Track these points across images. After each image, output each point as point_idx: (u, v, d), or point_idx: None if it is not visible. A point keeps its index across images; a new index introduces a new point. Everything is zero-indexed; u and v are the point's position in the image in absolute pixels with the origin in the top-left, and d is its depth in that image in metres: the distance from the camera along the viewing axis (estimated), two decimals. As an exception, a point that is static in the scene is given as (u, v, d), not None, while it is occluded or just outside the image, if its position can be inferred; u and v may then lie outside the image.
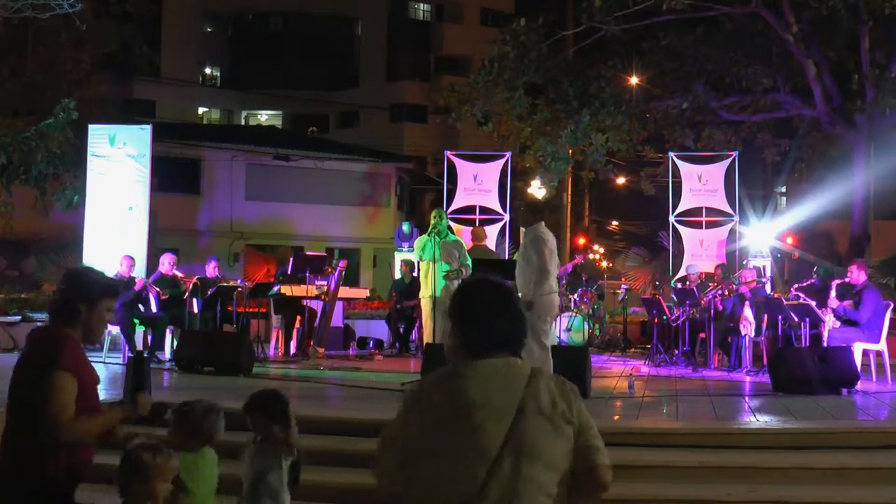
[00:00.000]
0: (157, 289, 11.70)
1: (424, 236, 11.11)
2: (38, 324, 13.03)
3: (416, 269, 13.51)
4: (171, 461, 3.54)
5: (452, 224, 14.22)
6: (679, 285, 13.52)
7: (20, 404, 3.42)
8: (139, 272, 12.14)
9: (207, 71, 46.49)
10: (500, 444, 2.49)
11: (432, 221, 10.88)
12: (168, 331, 11.67)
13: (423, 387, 2.69)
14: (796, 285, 11.96)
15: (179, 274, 12.16)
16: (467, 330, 2.67)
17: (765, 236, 16.70)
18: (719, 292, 11.89)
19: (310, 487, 5.66)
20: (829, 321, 10.44)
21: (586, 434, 2.72)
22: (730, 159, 15.17)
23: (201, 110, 44.31)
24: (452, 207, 14.82)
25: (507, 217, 14.87)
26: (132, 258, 11.87)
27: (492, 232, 14.81)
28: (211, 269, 12.72)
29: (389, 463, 2.61)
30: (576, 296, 14.29)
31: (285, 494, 4.25)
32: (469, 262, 10.49)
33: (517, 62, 18.99)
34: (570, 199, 26.98)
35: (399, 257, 15.38)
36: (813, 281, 11.63)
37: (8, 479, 3.42)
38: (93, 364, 3.70)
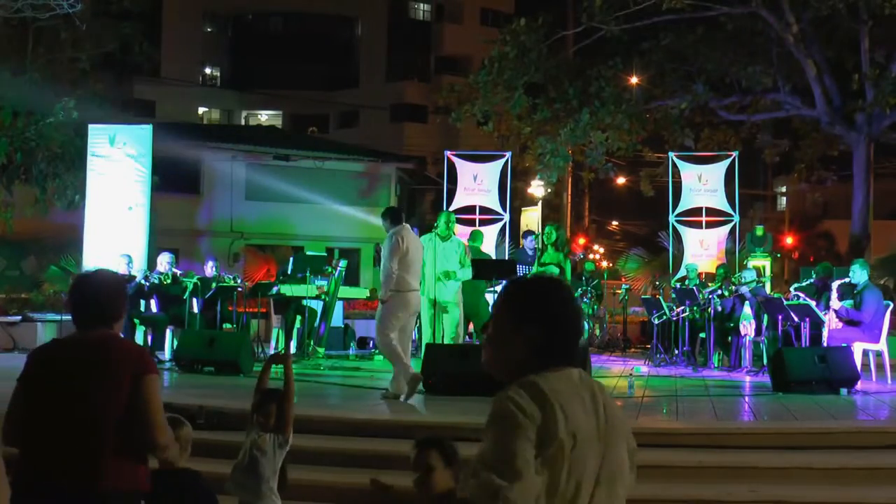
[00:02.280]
0: (155, 281, 11.69)
1: (424, 237, 11.07)
2: (38, 323, 13.05)
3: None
4: (186, 429, 4.08)
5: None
6: (679, 285, 13.52)
7: (110, 412, 3.23)
8: (139, 272, 12.13)
9: (207, 71, 46.49)
10: (598, 469, 2.23)
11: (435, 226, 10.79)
12: (168, 331, 11.67)
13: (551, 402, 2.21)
14: (795, 285, 11.96)
15: (178, 272, 12.17)
16: (556, 335, 2.27)
17: (764, 236, 16.68)
18: (719, 293, 11.89)
19: (309, 487, 5.67)
20: (832, 321, 10.43)
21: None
22: (730, 159, 15.17)
23: (201, 110, 44.32)
24: (452, 207, 14.81)
25: (507, 217, 14.88)
26: (130, 257, 11.88)
27: (492, 232, 14.82)
28: (209, 269, 12.73)
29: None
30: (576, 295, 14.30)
31: (274, 480, 4.44)
32: (469, 263, 10.49)
33: (517, 62, 19.01)
34: (570, 199, 26.99)
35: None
36: (812, 281, 11.63)
37: (114, 495, 3.23)
38: None
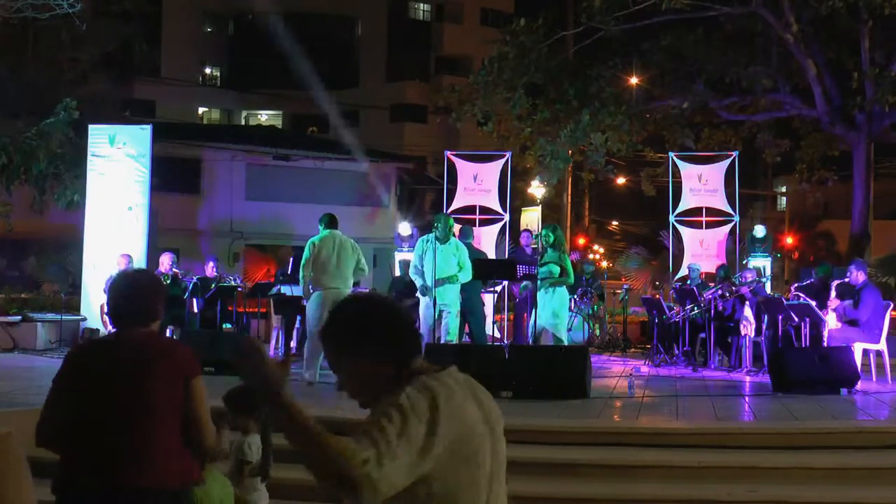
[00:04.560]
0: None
1: (422, 239, 11.06)
2: (38, 323, 13.04)
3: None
4: None
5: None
6: (679, 285, 13.52)
7: (161, 412, 3.25)
8: (139, 272, 12.14)
9: (207, 71, 46.48)
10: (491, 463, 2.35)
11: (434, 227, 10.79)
12: (168, 331, 11.67)
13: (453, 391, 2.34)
14: (795, 285, 11.96)
15: (178, 272, 12.18)
16: (402, 343, 2.41)
17: (765, 236, 16.68)
18: (719, 293, 11.89)
19: (309, 487, 5.67)
20: (832, 321, 10.43)
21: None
22: (730, 159, 15.15)
23: (201, 110, 44.31)
24: (452, 207, 14.81)
25: (507, 217, 14.87)
26: (129, 256, 11.88)
27: (492, 232, 14.81)
28: (210, 269, 12.72)
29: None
30: (576, 296, 14.28)
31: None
32: (468, 265, 10.49)
33: (517, 62, 19.01)
34: (570, 199, 27.01)
35: (399, 257, 15.38)
36: (812, 281, 11.63)
37: (167, 493, 3.25)
38: None
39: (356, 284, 10.32)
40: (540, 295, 10.76)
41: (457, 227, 12.69)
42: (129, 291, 3.42)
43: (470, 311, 11.10)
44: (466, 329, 11.52)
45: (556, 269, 10.78)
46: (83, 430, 3.24)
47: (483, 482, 2.31)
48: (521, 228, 15.26)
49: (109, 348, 3.39)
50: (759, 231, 14.98)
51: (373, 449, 2.12)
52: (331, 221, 9.65)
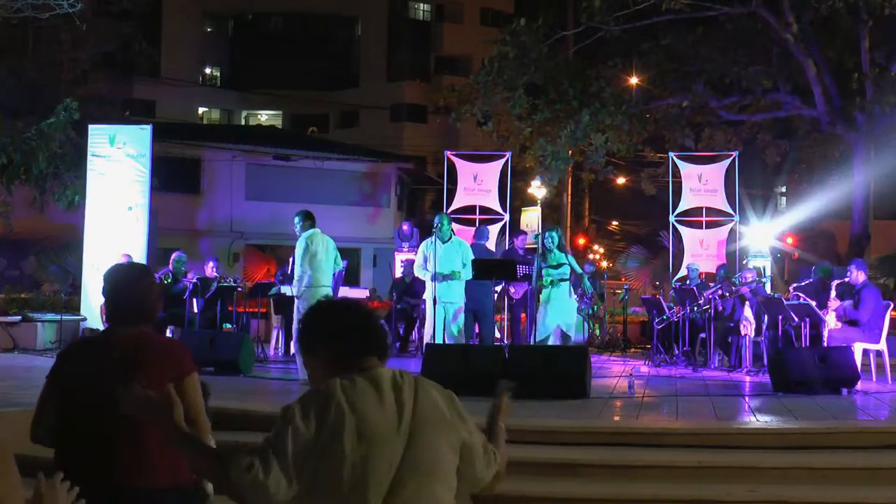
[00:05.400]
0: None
1: (426, 241, 11.08)
2: (38, 323, 13.05)
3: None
4: None
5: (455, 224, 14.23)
6: (679, 285, 13.52)
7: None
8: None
9: (207, 71, 46.46)
10: (398, 465, 2.39)
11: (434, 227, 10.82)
12: (168, 330, 11.67)
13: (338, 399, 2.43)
14: (795, 285, 11.96)
15: (188, 272, 12.27)
16: (345, 341, 2.55)
17: (765, 236, 16.70)
18: (719, 293, 11.89)
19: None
20: (832, 321, 10.43)
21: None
22: (730, 159, 15.16)
23: (201, 110, 44.30)
24: (452, 207, 14.82)
25: (507, 217, 14.87)
26: (130, 256, 11.88)
27: (492, 232, 14.81)
28: (210, 269, 12.72)
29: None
30: (575, 296, 14.29)
31: None
32: (469, 264, 10.51)
33: (517, 62, 19.00)
34: (570, 199, 27.00)
35: (399, 257, 15.39)
36: (812, 281, 11.63)
37: (168, 491, 3.23)
38: None
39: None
40: (554, 294, 10.88)
41: (468, 230, 12.73)
42: (124, 286, 3.38)
43: (483, 314, 11.09)
44: (476, 330, 11.53)
45: (567, 271, 10.93)
46: (75, 429, 3.23)
47: (373, 485, 2.36)
48: (518, 230, 15.25)
49: (101, 347, 3.36)
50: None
51: (257, 455, 2.33)
52: (313, 219, 10.02)
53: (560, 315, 10.91)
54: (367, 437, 2.36)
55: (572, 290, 11.49)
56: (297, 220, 9.96)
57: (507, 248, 15.67)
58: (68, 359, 3.38)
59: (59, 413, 3.26)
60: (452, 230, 10.64)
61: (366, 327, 2.60)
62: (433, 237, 10.33)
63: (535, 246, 12.17)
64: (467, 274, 10.33)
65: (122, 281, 3.39)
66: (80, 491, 3.13)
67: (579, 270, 11.25)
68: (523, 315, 12.43)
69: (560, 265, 10.97)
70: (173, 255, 12.38)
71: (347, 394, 2.41)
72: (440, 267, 10.22)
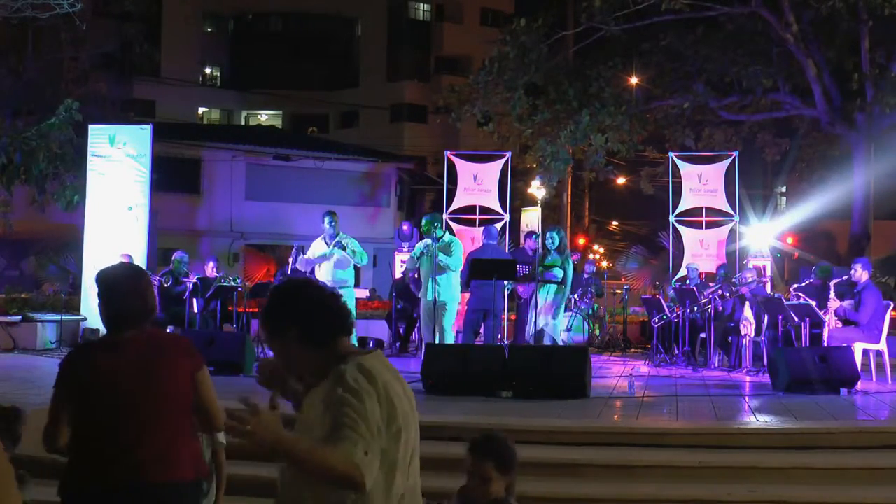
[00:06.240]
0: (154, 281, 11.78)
1: (421, 242, 11.12)
2: (38, 323, 13.05)
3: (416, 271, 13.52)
4: None
5: (453, 224, 14.25)
6: (678, 284, 13.52)
7: (182, 403, 3.31)
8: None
9: (207, 71, 46.46)
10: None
11: (424, 229, 10.91)
12: (168, 331, 11.67)
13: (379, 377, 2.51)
14: (795, 285, 11.95)
15: (190, 272, 12.28)
16: (318, 318, 2.56)
17: (765, 236, 16.68)
18: (719, 293, 11.89)
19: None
20: (832, 321, 10.42)
21: None
22: (730, 159, 15.15)
23: (201, 110, 44.30)
24: (452, 207, 14.82)
25: (507, 217, 14.88)
26: (130, 256, 11.88)
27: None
28: (210, 269, 12.72)
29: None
30: (576, 296, 14.29)
31: None
32: (459, 263, 10.58)
33: (517, 62, 19.00)
34: (570, 199, 27.00)
35: (399, 257, 15.38)
36: (812, 281, 11.62)
37: (191, 484, 3.31)
38: None
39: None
40: (540, 294, 10.88)
41: (469, 230, 12.78)
42: (125, 291, 3.37)
43: (493, 314, 11.08)
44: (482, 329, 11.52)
45: (560, 273, 10.90)
46: (95, 431, 3.22)
47: (407, 457, 2.48)
48: (523, 229, 15.28)
49: (112, 349, 3.34)
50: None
51: (357, 446, 2.32)
52: None
53: (540, 315, 10.86)
54: (403, 417, 2.46)
55: (566, 291, 11.44)
56: (334, 220, 10.52)
57: (509, 248, 15.69)
58: (78, 364, 3.35)
59: (75, 418, 3.26)
60: (442, 228, 10.83)
61: (335, 306, 2.62)
62: (430, 238, 10.50)
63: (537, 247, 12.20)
64: (453, 264, 10.41)
65: (121, 285, 3.38)
66: (103, 488, 3.15)
67: (569, 276, 11.18)
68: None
69: (552, 266, 10.95)
70: (174, 256, 12.39)
71: (383, 375, 2.47)
72: (434, 267, 10.38)
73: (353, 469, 2.29)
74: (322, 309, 2.56)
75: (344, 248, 10.57)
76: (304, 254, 11.00)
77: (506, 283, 11.32)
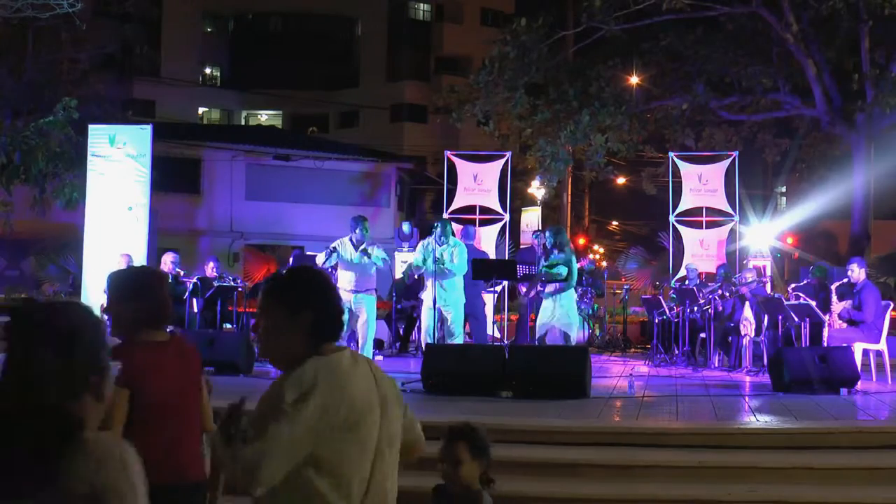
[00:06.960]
0: None
1: (423, 242, 11.11)
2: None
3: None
4: None
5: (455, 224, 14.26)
6: (679, 285, 13.52)
7: (196, 409, 3.39)
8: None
9: (207, 71, 46.48)
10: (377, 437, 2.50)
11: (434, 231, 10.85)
12: (167, 331, 11.65)
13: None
14: (794, 285, 11.95)
15: (180, 272, 12.19)
16: (325, 317, 2.53)
17: (765, 236, 16.69)
18: (719, 293, 11.89)
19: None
20: (836, 325, 10.42)
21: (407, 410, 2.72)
22: (730, 159, 15.16)
23: (201, 110, 44.30)
24: (452, 207, 14.83)
25: (507, 217, 14.89)
26: (130, 256, 11.88)
27: (492, 232, 14.83)
28: (210, 270, 12.72)
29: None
30: (575, 295, 14.28)
31: None
32: (465, 265, 10.55)
33: (517, 62, 19.00)
34: (570, 199, 27.00)
35: (399, 257, 15.38)
36: (810, 281, 11.62)
37: (205, 484, 3.41)
38: None
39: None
40: (545, 294, 10.84)
41: (458, 227, 12.78)
42: (155, 292, 3.40)
43: (472, 315, 11.11)
44: (467, 328, 11.54)
45: (564, 270, 10.84)
46: (139, 429, 3.21)
47: (367, 454, 2.45)
48: (524, 230, 15.29)
49: (155, 349, 3.35)
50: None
51: (254, 445, 2.34)
52: None
53: (545, 314, 10.75)
54: (358, 412, 2.44)
55: (572, 282, 11.38)
56: (364, 226, 10.40)
57: (509, 248, 15.71)
58: (143, 364, 3.33)
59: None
60: (452, 232, 10.78)
61: (342, 313, 2.63)
62: (431, 238, 10.45)
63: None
64: (458, 270, 10.39)
65: (149, 286, 3.40)
66: (147, 488, 3.18)
67: (574, 271, 11.13)
68: (532, 315, 12.43)
69: (555, 265, 10.92)
70: (172, 257, 12.29)
71: (344, 368, 2.46)
72: (437, 269, 10.34)
73: (243, 470, 2.35)
74: (337, 310, 2.58)
75: (369, 257, 10.49)
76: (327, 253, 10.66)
77: (485, 283, 11.41)
